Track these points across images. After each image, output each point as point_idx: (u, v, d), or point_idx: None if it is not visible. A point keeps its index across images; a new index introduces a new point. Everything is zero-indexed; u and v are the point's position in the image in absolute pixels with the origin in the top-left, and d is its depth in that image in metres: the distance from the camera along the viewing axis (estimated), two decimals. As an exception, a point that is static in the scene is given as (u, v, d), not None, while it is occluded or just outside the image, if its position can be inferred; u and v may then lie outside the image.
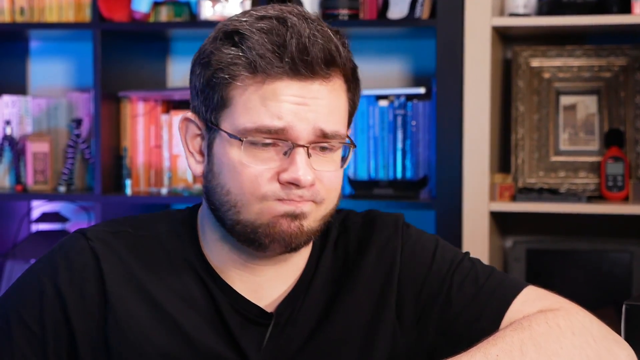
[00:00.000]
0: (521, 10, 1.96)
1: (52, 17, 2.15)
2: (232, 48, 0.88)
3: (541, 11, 1.97)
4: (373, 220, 0.98)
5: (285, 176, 0.87)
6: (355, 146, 0.92)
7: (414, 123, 2.06)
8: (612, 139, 2.02)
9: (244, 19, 0.89)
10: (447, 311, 0.94)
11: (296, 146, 0.87)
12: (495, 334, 0.87)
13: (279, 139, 0.88)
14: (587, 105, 2.06)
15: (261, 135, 0.87)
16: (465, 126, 1.93)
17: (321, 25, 0.89)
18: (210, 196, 0.92)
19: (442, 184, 1.95)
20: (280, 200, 0.88)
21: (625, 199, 1.98)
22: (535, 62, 2.07)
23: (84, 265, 0.91)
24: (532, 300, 0.92)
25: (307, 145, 0.88)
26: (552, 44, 2.07)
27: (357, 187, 2.04)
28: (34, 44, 2.39)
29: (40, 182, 2.19)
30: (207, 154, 0.91)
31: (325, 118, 0.89)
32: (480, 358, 0.83)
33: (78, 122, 2.19)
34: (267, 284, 0.94)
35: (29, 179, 2.18)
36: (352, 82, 0.92)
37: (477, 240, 1.92)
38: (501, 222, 2.07)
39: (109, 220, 0.98)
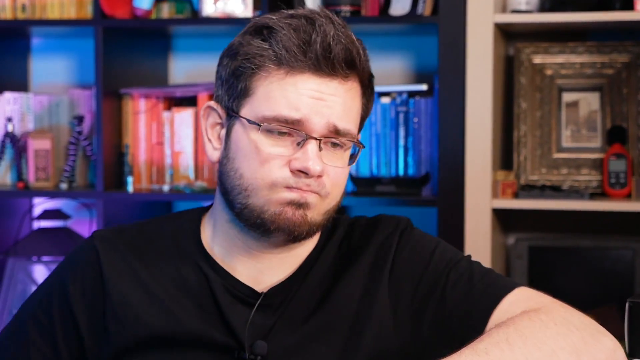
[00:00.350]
0: (523, 7, 1.95)
1: (53, 14, 2.15)
2: (261, 41, 0.94)
3: (543, 8, 1.97)
4: (377, 222, 1.03)
5: (296, 164, 0.92)
6: (364, 147, 0.98)
7: (416, 120, 2.06)
8: (615, 135, 2.01)
9: (274, 17, 0.95)
10: (442, 308, 0.96)
11: (309, 138, 0.93)
12: (481, 335, 0.89)
13: (294, 129, 0.93)
14: (590, 102, 2.06)
15: (278, 124, 0.93)
16: (468, 123, 1.93)
17: (346, 29, 0.95)
18: (223, 181, 0.97)
19: (444, 181, 1.95)
20: (288, 188, 0.93)
21: (628, 196, 1.97)
22: (538, 59, 2.07)
23: (85, 262, 1.00)
24: (520, 301, 0.94)
25: (320, 138, 0.93)
26: (554, 41, 2.07)
27: (359, 184, 2.04)
28: (35, 41, 2.39)
29: (41, 179, 2.19)
30: (225, 140, 0.97)
31: (340, 115, 0.94)
32: (470, 353, 0.85)
33: (80, 119, 2.19)
34: (267, 271, 0.98)
35: (31, 176, 2.18)
36: (368, 89, 0.98)
37: (479, 237, 1.92)
38: (503, 220, 2.07)
39: (130, 223, 1.06)
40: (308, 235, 0.95)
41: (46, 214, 2.26)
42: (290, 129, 0.92)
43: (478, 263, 1.00)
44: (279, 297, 0.97)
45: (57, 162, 2.22)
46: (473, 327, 0.93)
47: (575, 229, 2.10)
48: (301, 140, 0.93)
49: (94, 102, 2.14)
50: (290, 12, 0.96)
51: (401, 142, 2.06)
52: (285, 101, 0.92)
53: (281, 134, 0.93)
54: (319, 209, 0.95)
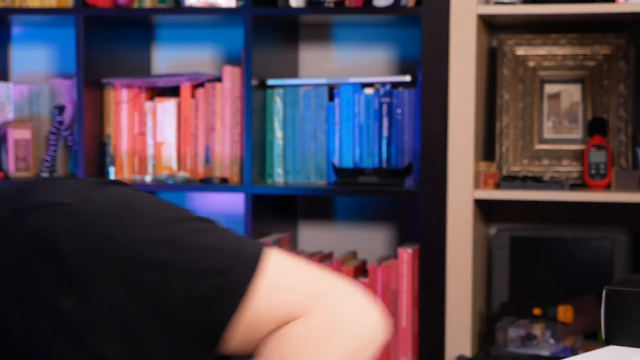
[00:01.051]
0: (506, -1, 1.96)
1: (34, 2, 2.13)
2: None
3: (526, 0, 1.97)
4: (31, 189, 0.75)
5: None
6: None
7: (399, 111, 2.06)
8: (596, 127, 2.03)
9: None
10: (161, 297, 0.75)
11: None
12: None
13: None
14: (571, 93, 2.07)
15: None
16: (450, 114, 1.94)
17: None
18: None
19: (426, 172, 1.95)
20: None
21: (608, 187, 1.99)
22: (520, 51, 2.07)
23: None
24: (272, 292, 0.77)
25: None
26: (537, 33, 2.08)
27: (341, 175, 2.04)
28: (15, 30, 2.37)
29: (22, 169, 2.17)
30: None
31: None
32: None
33: (61, 109, 2.17)
34: None
35: (11, 166, 2.16)
36: None
37: (461, 228, 1.93)
38: (485, 210, 2.08)
39: None
40: None
41: (27, 204, 2.24)
42: None
43: (194, 228, 0.77)
44: None
45: (38, 152, 2.20)
46: (210, 321, 0.75)
47: (556, 219, 2.12)
48: None
49: (75, 91, 2.12)
50: None
51: (384, 133, 2.07)
52: None
53: None
54: None
